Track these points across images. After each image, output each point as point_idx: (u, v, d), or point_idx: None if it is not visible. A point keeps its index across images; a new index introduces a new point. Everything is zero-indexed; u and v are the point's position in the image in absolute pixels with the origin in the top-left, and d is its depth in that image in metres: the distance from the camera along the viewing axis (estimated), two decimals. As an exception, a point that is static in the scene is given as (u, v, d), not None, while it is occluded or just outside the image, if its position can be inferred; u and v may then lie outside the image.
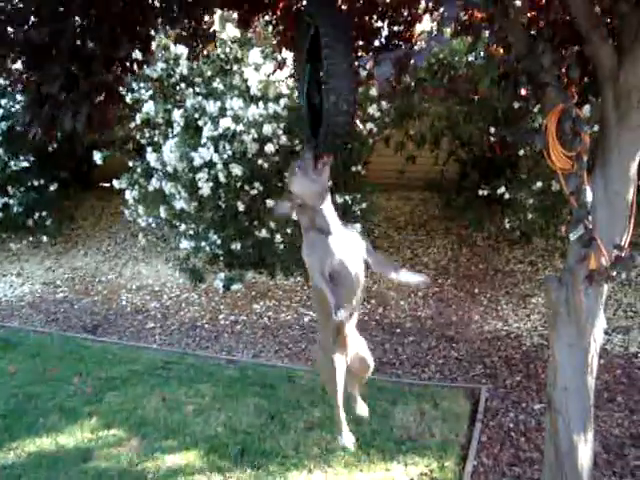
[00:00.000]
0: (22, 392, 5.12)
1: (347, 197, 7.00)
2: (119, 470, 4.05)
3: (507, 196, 6.84)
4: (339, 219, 3.28)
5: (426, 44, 2.20)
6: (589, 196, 2.91)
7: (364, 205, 7.16)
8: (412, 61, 2.32)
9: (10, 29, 3.12)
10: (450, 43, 6.61)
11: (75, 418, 4.69)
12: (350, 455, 4.07)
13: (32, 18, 3.14)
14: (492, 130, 6.83)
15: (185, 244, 7.33)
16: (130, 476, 3.99)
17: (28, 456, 4.22)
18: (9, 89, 8.37)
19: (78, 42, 3.22)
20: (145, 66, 4.15)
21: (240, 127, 6.62)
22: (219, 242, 7.16)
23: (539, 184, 6.48)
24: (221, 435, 4.41)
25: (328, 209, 3.25)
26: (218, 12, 5.48)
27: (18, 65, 3.64)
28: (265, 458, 4.10)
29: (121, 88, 3.91)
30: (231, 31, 7.12)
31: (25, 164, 8.59)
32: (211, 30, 4.13)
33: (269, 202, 6.86)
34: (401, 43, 3.85)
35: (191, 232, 7.31)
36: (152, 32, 3.62)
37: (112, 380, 5.34)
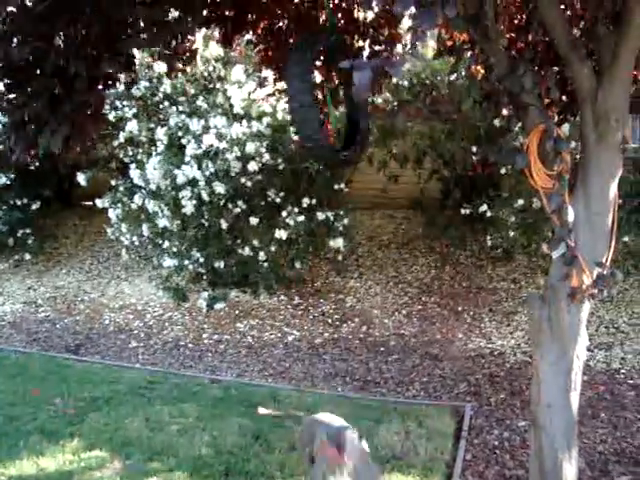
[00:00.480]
0: (2, 413, 5.03)
1: (329, 214, 7.02)
2: (101, 492, 4.00)
3: (489, 214, 6.91)
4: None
5: (401, 57, 2.23)
6: (571, 215, 2.95)
7: (345, 221, 7.18)
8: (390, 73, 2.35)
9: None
10: (432, 63, 6.70)
11: (57, 439, 4.61)
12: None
13: (15, 40, 3.13)
14: (474, 149, 6.91)
15: (168, 262, 7.31)
16: (113, 498, 3.94)
17: (9, 479, 4.14)
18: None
19: (61, 62, 3.22)
20: (128, 85, 4.18)
21: (223, 145, 6.65)
22: (202, 260, 7.15)
23: (520, 202, 6.56)
24: (206, 456, 4.36)
25: None
26: (202, 31, 5.54)
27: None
28: (250, 479, 4.06)
29: (102, 106, 3.92)
30: (214, 50, 7.17)
31: (5, 181, 8.53)
32: (193, 48, 4.15)
33: (252, 220, 6.87)
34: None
35: (174, 250, 7.29)
36: (134, 50, 3.64)
37: (95, 400, 5.27)
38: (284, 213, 6.88)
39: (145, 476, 4.14)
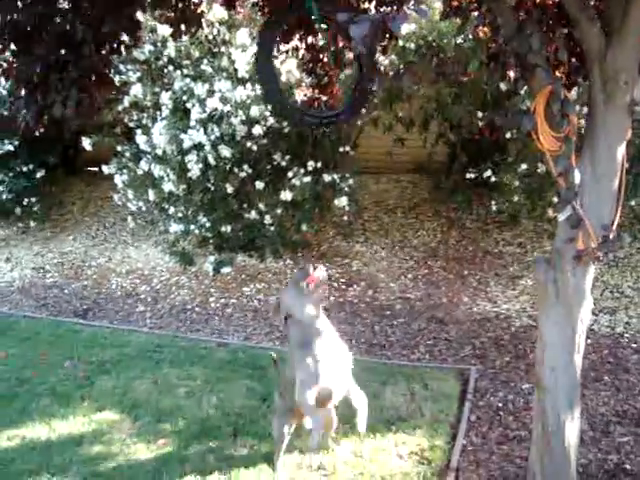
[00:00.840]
0: (14, 376, 5.12)
1: (335, 176, 7.01)
2: (112, 453, 4.07)
3: (493, 179, 6.89)
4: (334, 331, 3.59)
5: (403, 13, 2.22)
6: (577, 177, 2.94)
7: (351, 182, 7.16)
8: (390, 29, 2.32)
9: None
10: (438, 25, 6.61)
11: (67, 402, 4.70)
12: (341, 435, 4.11)
13: (19, 4, 3.10)
14: (480, 114, 6.86)
15: (174, 227, 7.33)
16: (123, 458, 4.01)
17: (22, 440, 4.22)
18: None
19: (67, 27, 3.19)
20: (133, 49, 4.14)
21: (228, 108, 6.61)
22: (208, 225, 7.16)
23: (524, 166, 6.53)
24: (213, 417, 4.44)
25: (322, 326, 3.53)
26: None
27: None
28: (258, 439, 4.13)
29: (108, 70, 3.89)
30: (218, 13, 7.07)
31: (10, 148, 8.52)
32: (199, 11, 4.10)
33: (258, 184, 6.87)
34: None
35: (180, 215, 7.30)
36: (139, 14, 3.60)
37: (104, 364, 5.34)
38: (290, 174, 6.87)
39: (155, 436, 4.22)
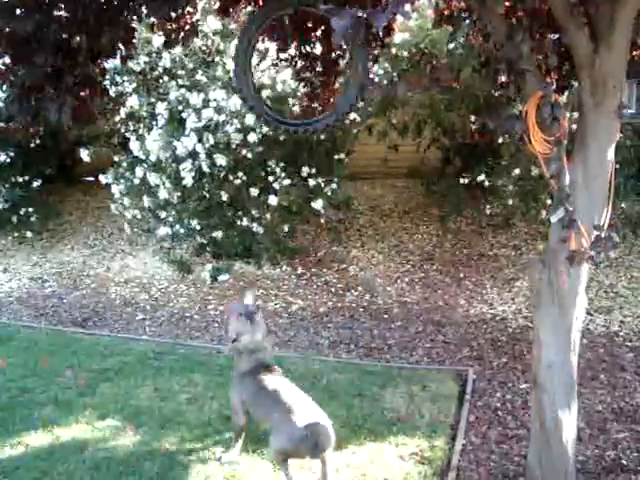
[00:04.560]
0: (15, 386, 5.14)
1: (320, 179, 7.06)
2: (116, 459, 4.10)
3: (487, 183, 6.96)
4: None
5: (388, 9, 2.20)
6: (569, 179, 3.02)
7: (334, 186, 7.22)
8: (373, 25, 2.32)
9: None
10: (430, 32, 6.69)
11: (70, 410, 4.73)
12: (342, 437, 4.16)
13: (18, 11, 3.16)
14: (473, 118, 6.94)
15: (164, 230, 7.35)
16: (127, 464, 4.04)
17: (25, 448, 4.25)
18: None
19: (64, 35, 3.25)
20: (128, 59, 4.20)
21: (223, 117, 6.68)
22: (204, 232, 7.21)
23: (517, 171, 6.61)
24: (215, 422, 4.48)
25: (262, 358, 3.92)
26: (200, 2, 5.51)
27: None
28: (259, 444, 4.17)
29: (103, 80, 3.94)
30: (212, 23, 7.15)
31: (5, 159, 8.53)
32: (193, 19, 4.16)
33: (253, 191, 6.92)
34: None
35: (172, 220, 7.33)
36: (134, 23, 3.65)
37: (105, 372, 5.37)
38: (271, 178, 6.94)
39: (158, 443, 4.26)
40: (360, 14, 2.13)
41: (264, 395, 3.79)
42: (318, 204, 7.06)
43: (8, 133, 8.27)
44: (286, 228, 7.27)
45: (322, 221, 7.62)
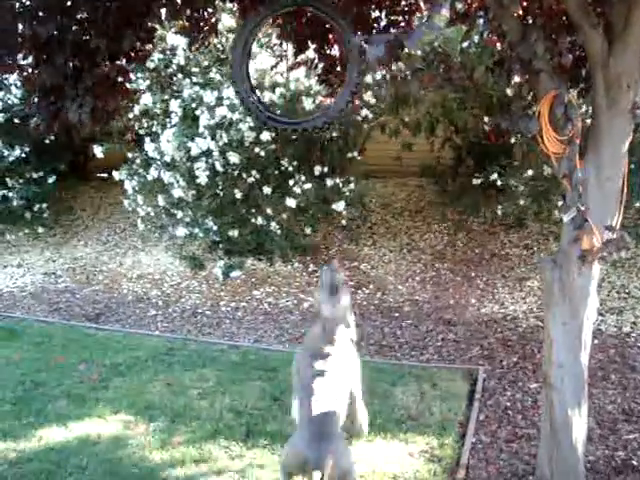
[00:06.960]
0: (29, 379, 5.20)
1: (338, 180, 7.07)
2: (129, 453, 4.14)
3: (499, 183, 6.95)
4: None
5: (417, 29, 2.27)
6: (581, 179, 3.02)
7: (352, 186, 7.23)
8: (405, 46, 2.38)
9: (20, 25, 3.19)
10: (444, 32, 6.67)
11: (83, 404, 4.78)
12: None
13: (40, 13, 3.20)
14: (486, 118, 6.92)
15: (181, 231, 7.39)
16: (140, 458, 4.09)
17: (39, 441, 4.30)
18: (5, 82, 8.45)
19: (84, 37, 3.29)
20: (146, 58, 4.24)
21: (236, 115, 6.70)
22: (217, 229, 7.24)
23: (530, 172, 6.59)
24: (226, 417, 4.52)
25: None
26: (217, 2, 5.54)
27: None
28: (270, 438, 4.20)
29: (123, 79, 3.98)
30: (226, 21, 7.18)
31: (19, 153, 8.60)
32: (213, 20, 4.19)
33: (265, 189, 6.95)
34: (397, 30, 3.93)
35: (188, 220, 7.37)
36: (156, 24, 3.70)
37: (117, 367, 5.42)
38: (291, 182, 6.96)
39: (169, 437, 4.30)
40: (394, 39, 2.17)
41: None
42: (340, 206, 7.08)
43: (24, 132, 8.34)
44: (308, 230, 7.29)
45: (338, 220, 7.63)
